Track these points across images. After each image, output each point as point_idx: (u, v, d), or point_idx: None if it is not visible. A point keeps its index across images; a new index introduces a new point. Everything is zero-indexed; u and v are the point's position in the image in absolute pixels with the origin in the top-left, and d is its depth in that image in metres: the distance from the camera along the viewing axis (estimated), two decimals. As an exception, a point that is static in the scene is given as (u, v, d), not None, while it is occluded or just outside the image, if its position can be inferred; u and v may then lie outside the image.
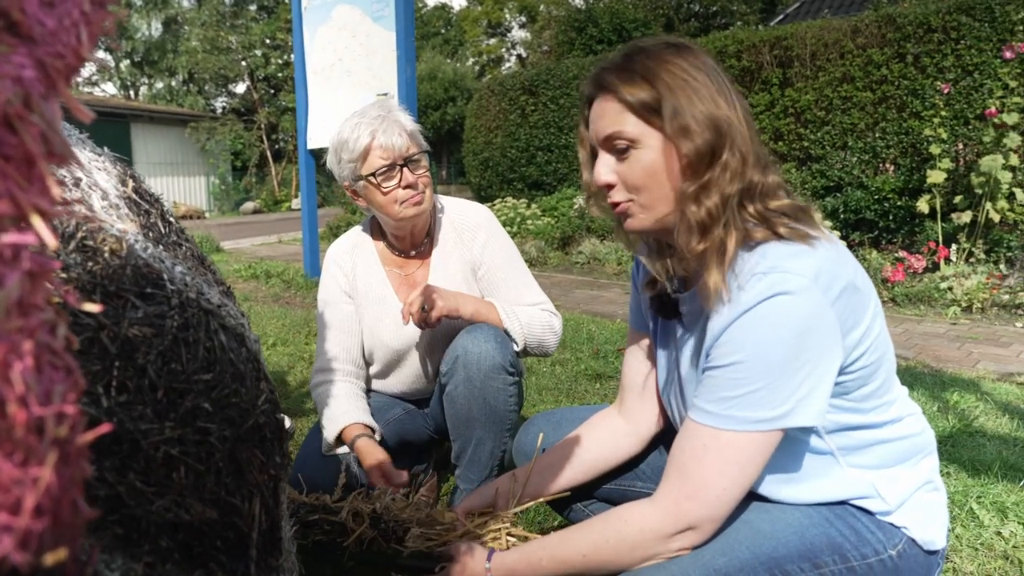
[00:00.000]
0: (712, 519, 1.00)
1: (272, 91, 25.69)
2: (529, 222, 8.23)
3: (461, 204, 1.89)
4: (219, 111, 26.13)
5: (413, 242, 1.83)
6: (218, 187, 21.56)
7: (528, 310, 1.78)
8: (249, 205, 20.38)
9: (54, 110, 0.41)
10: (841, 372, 0.99)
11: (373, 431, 1.70)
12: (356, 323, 1.83)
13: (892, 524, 1.06)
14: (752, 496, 1.10)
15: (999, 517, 1.88)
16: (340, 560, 1.53)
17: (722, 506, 0.99)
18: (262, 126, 22.50)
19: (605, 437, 1.32)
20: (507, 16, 38.12)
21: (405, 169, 1.67)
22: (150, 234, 0.98)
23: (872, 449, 1.07)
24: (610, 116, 1.04)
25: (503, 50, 38.77)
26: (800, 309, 0.92)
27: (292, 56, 24.08)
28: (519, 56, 37.23)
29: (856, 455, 1.06)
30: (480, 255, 1.82)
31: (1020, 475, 2.12)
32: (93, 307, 0.46)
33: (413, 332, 1.82)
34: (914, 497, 1.08)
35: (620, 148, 1.04)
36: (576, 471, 1.32)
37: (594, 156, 1.11)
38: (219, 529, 0.78)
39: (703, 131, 0.98)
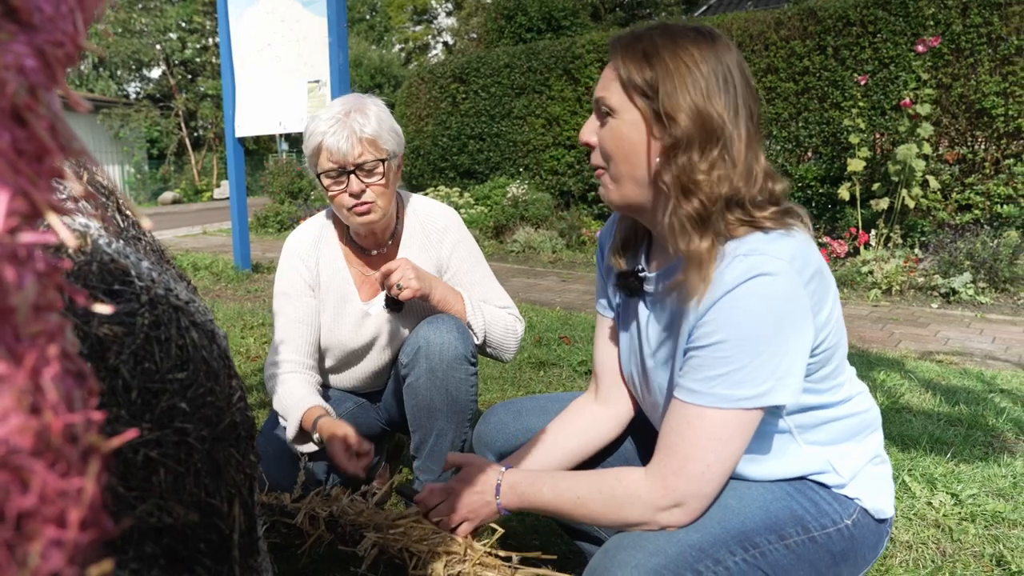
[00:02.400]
0: (698, 495, 1.03)
1: (190, 76, 24.78)
2: (462, 211, 8.20)
3: (430, 205, 1.85)
4: (133, 97, 25.05)
5: (376, 242, 1.79)
6: (133, 176, 20.69)
7: (494, 311, 1.77)
8: (168, 195, 19.63)
9: (56, 101, 0.39)
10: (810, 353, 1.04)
11: (329, 413, 1.67)
12: (317, 317, 1.78)
13: (846, 496, 1.12)
14: None
15: (929, 488, 1.99)
16: (296, 559, 1.51)
17: (708, 482, 1.02)
18: (180, 113, 21.68)
19: (587, 424, 1.34)
20: (433, 2, 37.73)
21: (352, 176, 1.61)
22: (110, 228, 0.93)
23: (826, 427, 1.12)
24: (604, 81, 1.08)
25: (429, 37, 38.38)
26: (779, 290, 0.96)
27: (210, 40, 23.27)
28: (446, 43, 36.94)
29: (812, 432, 1.12)
30: (448, 257, 1.80)
31: (946, 448, 2.25)
32: (104, 308, 0.44)
33: (371, 332, 1.79)
34: (864, 470, 1.15)
35: (603, 112, 1.07)
36: (561, 460, 1.33)
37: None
38: (202, 532, 0.75)
39: (688, 122, 0.99)
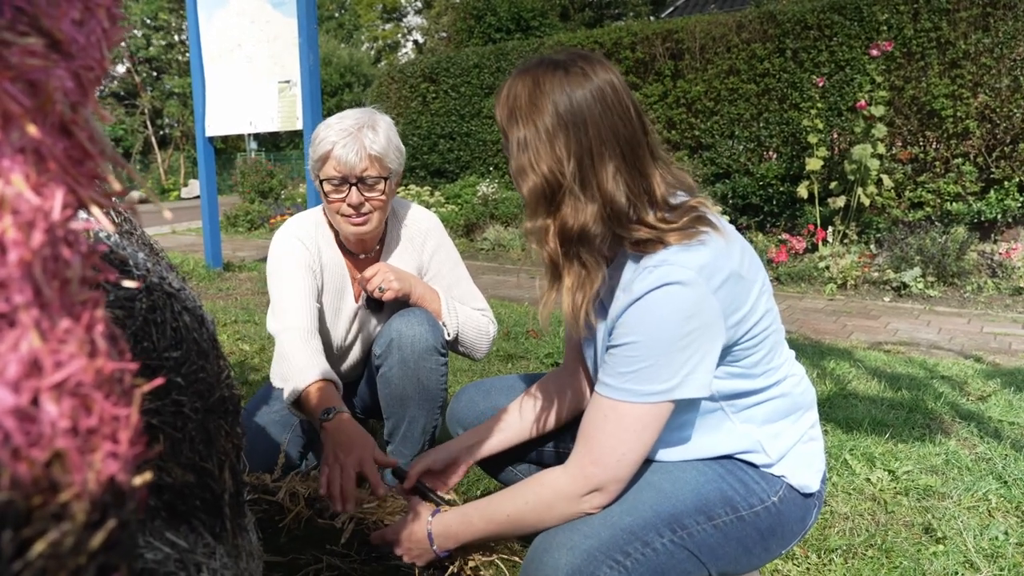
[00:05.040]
0: (615, 480, 1.12)
1: (155, 74, 24.48)
2: (433, 210, 8.29)
3: (412, 209, 1.93)
4: (96, 94, 24.64)
5: (364, 248, 1.85)
6: (100, 175, 20.36)
7: (469, 311, 1.86)
8: (135, 194, 19.24)
9: (91, 115, 0.50)
10: (732, 346, 1.13)
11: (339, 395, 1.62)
12: (319, 295, 1.78)
13: (773, 474, 1.21)
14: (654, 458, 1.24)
15: (868, 466, 2.14)
16: (276, 536, 1.60)
17: (622, 468, 1.11)
18: (145, 111, 21.43)
19: (557, 393, 1.44)
20: (403, 1, 37.67)
21: (354, 188, 1.67)
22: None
23: (760, 407, 1.21)
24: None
25: (399, 36, 38.30)
26: (685, 297, 1.04)
27: (176, 37, 22.97)
28: (416, 42, 36.89)
29: (745, 411, 1.20)
30: (429, 261, 1.89)
31: (886, 429, 2.40)
32: (130, 282, 0.55)
33: (356, 330, 1.87)
34: (794, 449, 1.23)
35: None
36: (531, 427, 1.43)
37: None
38: (197, 491, 0.85)
39: (536, 176, 1.06)
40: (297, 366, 1.59)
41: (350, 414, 1.54)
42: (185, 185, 20.45)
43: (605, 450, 1.11)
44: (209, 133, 5.40)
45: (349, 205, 1.68)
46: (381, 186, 1.70)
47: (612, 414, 1.10)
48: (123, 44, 22.20)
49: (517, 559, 1.43)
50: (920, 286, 4.82)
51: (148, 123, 21.55)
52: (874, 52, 5.63)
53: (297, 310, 1.69)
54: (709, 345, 1.08)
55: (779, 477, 1.20)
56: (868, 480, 2.06)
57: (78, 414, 0.41)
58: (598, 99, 1.06)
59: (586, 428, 1.14)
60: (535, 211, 1.09)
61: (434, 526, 1.27)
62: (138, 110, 21.48)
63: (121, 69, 24.64)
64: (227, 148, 22.03)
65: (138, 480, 0.45)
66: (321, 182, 1.71)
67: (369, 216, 1.71)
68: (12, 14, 0.44)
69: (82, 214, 0.47)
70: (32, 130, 0.43)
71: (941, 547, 1.71)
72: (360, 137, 1.65)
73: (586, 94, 1.06)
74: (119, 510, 0.43)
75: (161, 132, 23.39)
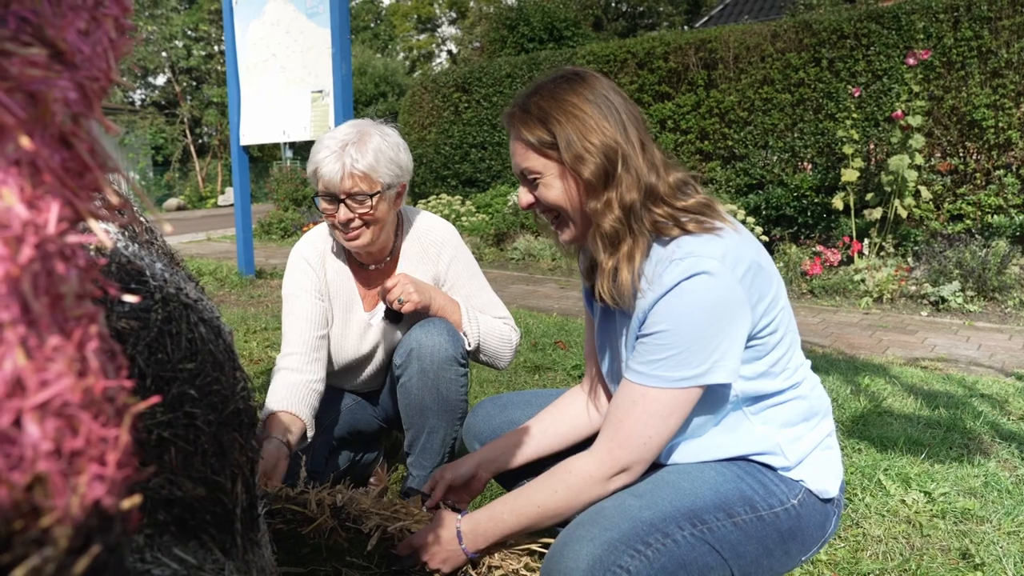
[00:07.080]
0: (640, 461, 1.18)
1: (195, 84, 24.96)
2: (464, 219, 8.30)
3: (427, 220, 1.91)
4: (138, 104, 25.23)
5: (374, 259, 1.84)
6: (138, 183, 20.81)
7: (490, 320, 1.84)
8: (172, 202, 19.75)
9: (94, 127, 0.49)
10: (754, 337, 1.16)
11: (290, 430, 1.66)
12: (323, 316, 1.81)
13: (792, 478, 1.22)
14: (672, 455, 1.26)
15: (903, 487, 2.07)
16: (298, 549, 1.59)
17: (648, 451, 1.17)
18: (185, 120, 21.85)
19: (578, 410, 1.46)
20: (437, 12, 37.98)
21: (342, 205, 1.67)
22: (126, 232, 1.03)
23: (779, 408, 1.23)
24: (519, 154, 1.23)
25: (433, 46, 38.61)
26: (712, 286, 1.09)
27: (216, 48, 23.43)
28: (450, 52, 37.16)
29: (764, 412, 1.22)
30: (445, 271, 1.87)
31: (922, 449, 2.33)
32: (131, 297, 0.53)
33: (373, 341, 1.87)
34: (812, 455, 1.25)
35: (531, 179, 1.23)
36: (551, 441, 1.45)
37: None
38: (208, 505, 0.84)
39: (594, 157, 1.15)
40: (271, 398, 1.69)
41: (282, 444, 1.60)
42: (222, 193, 20.78)
43: (632, 434, 1.16)
44: (243, 142, 5.47)
45: (339, 221, 1.69)
46: (369, 202, 1.67)
47: (641, 400, 1.15)
48: (164, 55, 22.70)
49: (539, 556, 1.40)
50: (959, 301, 4.69)
51: (187, 132, 21.97)
52: (911, 61, 5.51)
53: (292, 351, 1.76)
54: (736, 331, 1.12)
55: (798, 481, 1.22)
56: (903, 502, 1.99)
57: (63, 435, 0.40)
58: (613, 89, 1.20)
59: (614, 413, 1.19)
60: (598, 191, 1.16)
61: (463, 524, 1.30)
62: (178, 119, 21.90)
63: (162, 79, 25.18)
64: (263, 156, 22.38)
65: (126, 504, 0.43)
66: (316, 197, 1.73)
67: (360, 231, 1.70)
68: (16, 24, 0.44)
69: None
70: (25, 142, 0.42)
71: (979, 574, 1.64)
72: (343, 156, 1.64)
73: (604, 86, 1.20)
74: (105, 535, 0.42)
75: (200, 140, 23.83)
